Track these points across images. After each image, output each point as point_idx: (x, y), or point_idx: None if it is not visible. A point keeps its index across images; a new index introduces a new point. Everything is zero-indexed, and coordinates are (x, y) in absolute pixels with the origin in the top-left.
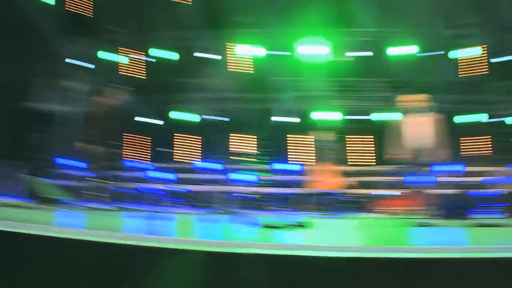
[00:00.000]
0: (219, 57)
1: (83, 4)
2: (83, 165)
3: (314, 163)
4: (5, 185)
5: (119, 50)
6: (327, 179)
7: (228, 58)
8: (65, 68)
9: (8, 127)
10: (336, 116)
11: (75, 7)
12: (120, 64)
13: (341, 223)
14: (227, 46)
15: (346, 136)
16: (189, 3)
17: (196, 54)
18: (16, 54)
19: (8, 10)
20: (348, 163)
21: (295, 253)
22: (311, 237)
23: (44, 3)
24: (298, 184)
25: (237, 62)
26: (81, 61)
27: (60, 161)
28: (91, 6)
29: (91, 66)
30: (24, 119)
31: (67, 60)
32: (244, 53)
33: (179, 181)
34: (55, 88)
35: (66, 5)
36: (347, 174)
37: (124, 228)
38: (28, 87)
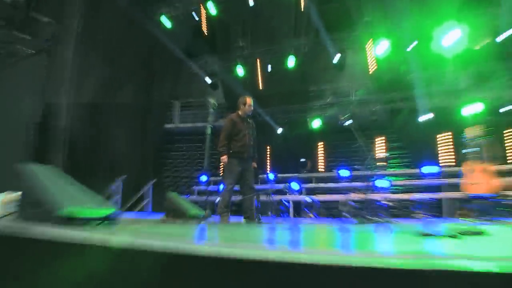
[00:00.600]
0: (343, 59)
1: (201, 23)
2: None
3: (465, 164)
4: (150, 203)
5: (241, 63)
6: (481, 181)
7: (355, 58)
8: (199, 86)
9: (151, 148)
10: (481, 109)
11: (195, 27)
12: (243, 76)
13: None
14: (353, 46)
15: (496, 130)
16: (302, 9)
17: (320, 58)
18: (155, 77)
19: (142, 36)
20: (500, 161)
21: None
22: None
23: (165, 28)
24: (446, 188)
25: (367, 61)
26: (210, 77)
27: (200, 177)
28: (208, 24)
29: (219, 81)
30: (164, 139)
31: (198, 78)
32: (373, 51)
33: (309, 191)
34: (192, 106)
35: (186, 27)
36: (501, 173)
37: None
38: (167, 108)
